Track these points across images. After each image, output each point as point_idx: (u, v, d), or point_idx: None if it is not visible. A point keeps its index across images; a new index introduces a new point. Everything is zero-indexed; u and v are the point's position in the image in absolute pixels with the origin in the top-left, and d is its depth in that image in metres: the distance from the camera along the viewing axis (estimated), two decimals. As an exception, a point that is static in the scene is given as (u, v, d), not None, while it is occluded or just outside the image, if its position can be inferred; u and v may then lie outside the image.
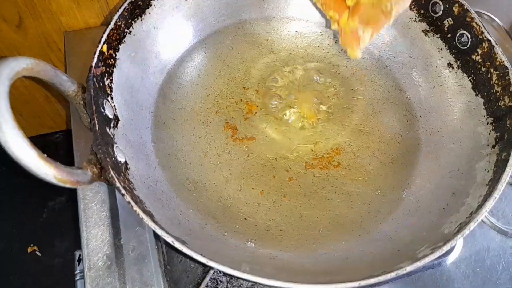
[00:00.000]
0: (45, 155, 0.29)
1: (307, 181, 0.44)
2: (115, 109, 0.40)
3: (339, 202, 0.43)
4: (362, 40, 0.40)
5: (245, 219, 0.41)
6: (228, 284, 0.42)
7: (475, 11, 0.64)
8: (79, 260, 0.48)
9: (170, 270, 0.43)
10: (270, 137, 0.46)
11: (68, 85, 0.36)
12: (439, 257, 0.45)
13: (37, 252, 0.76)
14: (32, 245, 0.77)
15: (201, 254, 0.30)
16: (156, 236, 0.45)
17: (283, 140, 0.46)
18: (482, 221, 0.48)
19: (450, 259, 0.46)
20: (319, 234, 0.40)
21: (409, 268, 0.30)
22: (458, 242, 0.47)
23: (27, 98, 0.74)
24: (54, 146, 0.80)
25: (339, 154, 0.46)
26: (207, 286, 0.42)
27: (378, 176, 0.44)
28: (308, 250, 0.39)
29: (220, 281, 0.42)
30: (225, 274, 0.42)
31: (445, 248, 0.31)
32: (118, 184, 0.32)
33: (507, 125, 0.38)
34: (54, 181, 0.29)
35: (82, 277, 0.46)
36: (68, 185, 0.31)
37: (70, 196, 0.81)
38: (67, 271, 0.72)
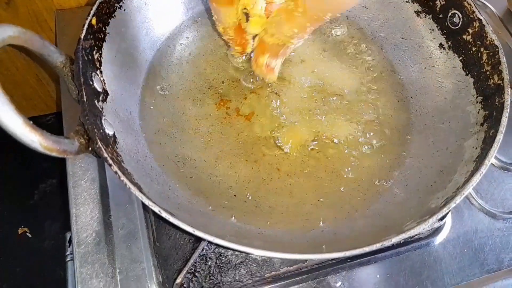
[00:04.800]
0: (31, 122, 0.29)
1: (298, 159, 0.44)
2: (104, 83, 0.40)
3: (329, 181, 0.43)
4: (276, 67, 0.45)
5: (235, 195, 0.41)
6: (217, 260, 0.42)
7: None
8: (70, 241, 0.48)
9: (159, 247, 0.43)
10: (262, 115, 0.46)
11: (56, 56, 0.36)
12: (427, 237, 0.46)
13: (28, 234, 0.76)
14: (22, 226, 0.77)
15: (189, 224, 0.30)
16: (146, 212, 0.44)
17: (275, 119, 0.46)
18: (471, 203, 0.49)
19: (438, 239, 0.46)
20: (308, 211, 0.40)
21: (395, 240, 0.30)
22: (446, 223, 0.47)
23: (18, 79, 0.73)
24: (46, 128, 0.79)
25: (330, 133, 0.46)
26: (196, 262, 0.42)
27: (368, 155, 0.44)
28: (297, 226, 0.39)
29: (209, 258, 0.42)
30: (214, 250, 0.42)
31: (431, 220, 0.31)
32: (105, 155, 0.32)
33: (496, 103, 0.38)
34: (40, 148, 0.29)
35: (73, 259, 0.46)
36: (54, 154, 0.30)
37: (61, 178, 0.80)
38: (57, 252, 0.72)
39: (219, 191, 0.41)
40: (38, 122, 0.79)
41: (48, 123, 0.81)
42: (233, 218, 0.39)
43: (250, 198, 0.41)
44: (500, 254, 0.46)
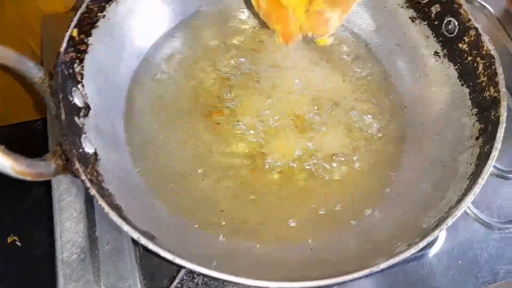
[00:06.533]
0: (3, 146, 0.27)
1: (288, 173, 0.42)
2: (86, 97, 0.38)
3: (319, 195, 0.41)
4: (331, 25, 0.37)
5: (222, 211, 0.40)
6: (205, 277, 0.41)
7: (467, -2, 0.63)
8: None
9: (146, 264, 0.42)
10: (253, 126, 0.45)
11: (35, 72, 0.35)
12: (421, 250, 0.45)
13: (17, 242, 0.75)
14: (12, 235, 0.75)
15: (169, 251, 0.29)
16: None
17: (265, 130, 0.45)
18: (466, 213, 0.47)
19: (433, 251, 0.45)
20: (297, 227, 0.39)
21: (383, 265, 0.29)
22: (441, 234, 0.46)
23: (8, 83, 0.72)
24: (35, 134, 0.78)
25: (322, 145, 0.44)
26: (183, 279, 0.41)
27: (360, 168, 0.43)
28: (285, 244, 0.38)
29: (197, 274, 0.41)
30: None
31: (421, 244, 0.30)
32: (83, 177, 0.31)
33: (491, 116, 0.36)
34: (12, 173, 0.28)
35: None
36: (28, 178, 0.29)
37: (51, 186, 0.79)
38: (47, 261, 0.71)
39: (206, 207, 0.40)
40: (28, 127, 0.78)
41: (38, 128, 0.80)
42: (221, 236, 0.38)
43: (238, 214, 0.40)
44: (495, 266, 0.45)
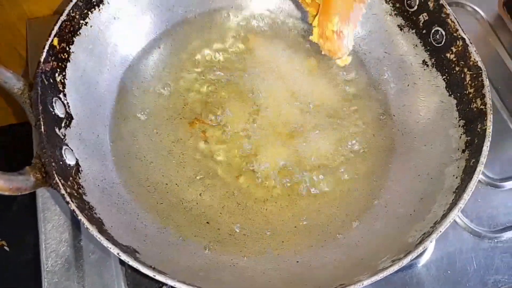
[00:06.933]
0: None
1: (275, 183, 0.42)
2: (68, 106, 0.38)
3: (306, 205, 0.41)
4: (349, 40, 0.41)
5: (208, 222, 0.39)
6: (190, 288, 0.41)
7: (459, 2, 0.63)
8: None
9: (131, 273, 0.42)
10: (239, 135, 0.44)
11: (13, 83, 0.34)
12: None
13: (5, 247, 0.74)
14: (0, 239, 0.75)
15: (150, 267, 0.29)
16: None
17: (252, 140, 0.44)
18: (456, 222, 0.47)
19: (422, 261, 0.45)
20: (284, 239, 0.39)
21: (367, 282, 0.29)
22: (431, 244, 0.46)
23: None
24: (23, 135, 0.77)
25: (309, 156, 0.44)
26: (168, 290, 0.40)
27: (349, 179, 0.43)
28: (272, 256, 0.38)
29: (183, 285, 0.41)
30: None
31: (405, 261, 0.30)
32: (62, 191, 0.30)
33: (478, 129, 0.36)
34: (-13, 190, 0.27)
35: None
36: (6, 193, 0.29)
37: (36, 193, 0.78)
38: (37, 266, 0.71)
39: (191, 218, 0.39)
40: (17, 129, 0.76)
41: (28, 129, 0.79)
42: (206, 249, 0.37)
43: (223, 225, 0.39)
44: (484, 276, 0.45)
